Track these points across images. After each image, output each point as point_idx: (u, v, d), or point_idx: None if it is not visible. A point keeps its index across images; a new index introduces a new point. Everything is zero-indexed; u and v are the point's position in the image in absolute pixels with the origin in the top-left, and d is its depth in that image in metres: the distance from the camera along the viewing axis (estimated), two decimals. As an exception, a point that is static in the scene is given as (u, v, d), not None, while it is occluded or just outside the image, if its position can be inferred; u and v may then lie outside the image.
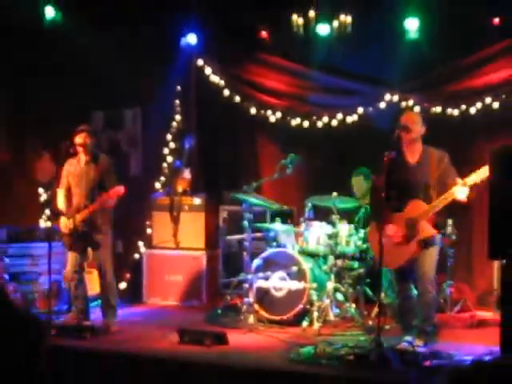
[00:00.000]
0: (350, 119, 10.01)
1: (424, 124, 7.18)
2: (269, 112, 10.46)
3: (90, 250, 8.60)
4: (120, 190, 8.09)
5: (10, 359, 1.93)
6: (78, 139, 8.33)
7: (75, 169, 8.45)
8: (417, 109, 9.30)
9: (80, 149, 8.36)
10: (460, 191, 6.72)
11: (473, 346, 7.12)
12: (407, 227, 6.95)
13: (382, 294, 7.59)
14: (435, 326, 7.31)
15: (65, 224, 8.32)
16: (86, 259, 8.67)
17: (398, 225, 6.99)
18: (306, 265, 8.44)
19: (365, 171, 9.09)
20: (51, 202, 8.44)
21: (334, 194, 8.69)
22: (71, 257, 8.43)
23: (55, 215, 8.51)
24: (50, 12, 10.54)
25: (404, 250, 6.97)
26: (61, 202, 8.51)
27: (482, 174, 6.60)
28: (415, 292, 7.64)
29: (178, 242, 10.30)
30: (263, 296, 8.56)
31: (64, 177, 8.53)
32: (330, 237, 8.58)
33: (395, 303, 7.72)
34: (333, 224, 8.60)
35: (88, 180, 8.34)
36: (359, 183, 9.14)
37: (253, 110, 10.55)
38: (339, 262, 8.55)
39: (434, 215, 6.92)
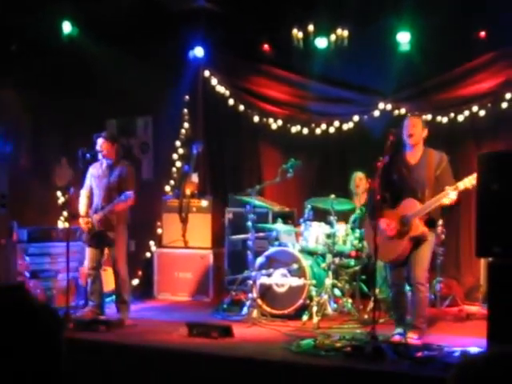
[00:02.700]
0: (346, 126, 10.03)
1: (425, 127, 7.18)
2: (270, 120, 10.48)
3: (106, 248, 8.63)
4: (130, 195, 8.12)
5: (31, 351, 1.92)
6: (99, 145, 8.38)
7: (97, 172, 8.50)
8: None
9: (100, 153, 8.40)
10: (451, 195, 6.73)
11: (461, 338, 7.12)
12: (401, 224, 6.94)
13: (377, 290, 7.59)
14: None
15: (83, 223, 8.35)
16: (102, 257, 8.69)
17: (393, 220, 6.98)
18: (306, 262, 8.44)
19: (365, 171, 9.05)
20: (68, 204, 8.45)
21: (332, 196, 8.69)
22: (89, 254, 8.45)
23: (73, 216, 8.53)
24: (66, 27, 10.56)
25: (396, 244, 6.96)
26: (82, 203, 8.53)
27: (472, 180, 6.60)
28: (408, 288, 7.67)
29: (186, 241, 10.31)
30: (266, 292, 8.55)
31: (87, 179, 8.59)
32: (328, 236, 8.57)
33: (389, 297, 7.71)
34: (330, 224, 8.58)
35: (107, 183, 8.37)
36: (362, 178, 9.10)
37: (256, 118, 10.56)
38: (336, 260, 8.55)
39: (427, 214, 6.92)
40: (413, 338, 6.88)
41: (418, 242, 6.96)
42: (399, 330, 7.07)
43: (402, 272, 7.16)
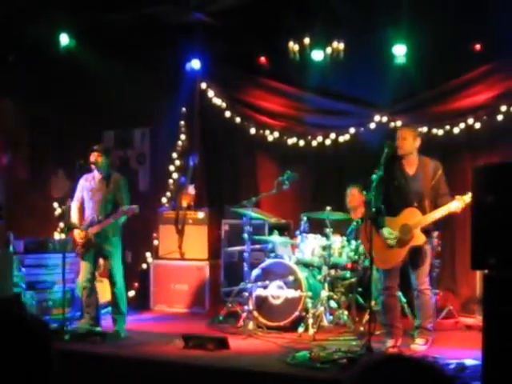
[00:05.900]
0: (342, 139, 10.03)
1: (417, 137, 7.24)
2: (267, 132, 10.47)
3: (101, 260, 8.60)
4: (136, 209, 8.08)
5: (19, 360, 1.93)
6: (92, 157, 8.37)
7: (90, 184, 8.48)
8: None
9: (93, 166, 8.39)
10: (458, 207, 6.83)
11: (457, 350, 7.09)
12: (402, 232, 7.00)
13: (373, 302, 7.57)
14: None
15: (78, 235, 8.32)
16: (97, 269, 8.66)
17: (393, 229, 7.03)
18: (302, 274, 8.42)
19: (359, 185, 9.05)
20: (65, 215, 8.46)
21: (328, 208, 8.67)
22: (84, 266, 8.41)
23: (68, 228, 8.51)
24: (64, 39, 10.57)
25: (396, 253, 7.08)
26: (74, 215, 8.50)
27: None
28: (403, 299, 7.68)
29: (182, 253, 10.29)
30: (262, 303, 8.53)
31: (79, 190, 8.55)
32: (324, 248, 8.55)
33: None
34: (326, 236, 8.57)
35: (101, 196, 8.35)
36: (354, 194, 9.10)
37: (252, 130, 10.55)
38: (332, 272, 8.53)
39: (430, 225, 7.03)
40: (419, 344, 6.95)
41: (414, 250, 7.01)
42: (390, 343, 7.07)
43: (396, 277, 7.20)
